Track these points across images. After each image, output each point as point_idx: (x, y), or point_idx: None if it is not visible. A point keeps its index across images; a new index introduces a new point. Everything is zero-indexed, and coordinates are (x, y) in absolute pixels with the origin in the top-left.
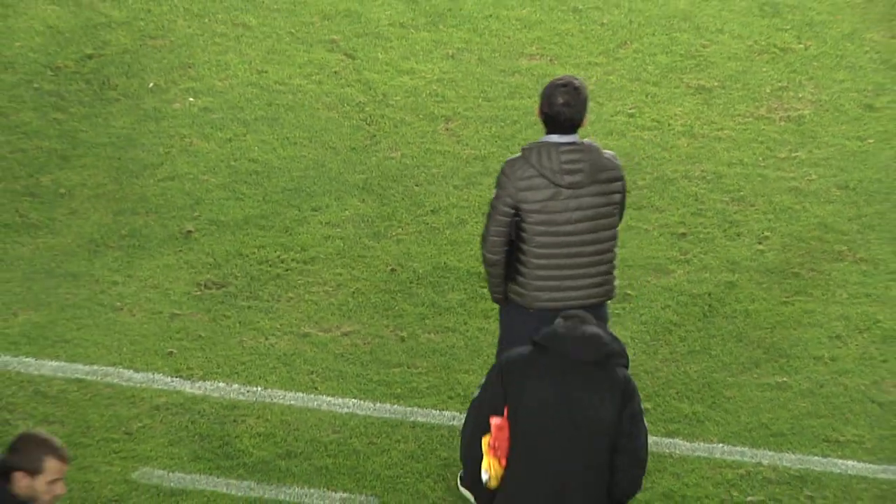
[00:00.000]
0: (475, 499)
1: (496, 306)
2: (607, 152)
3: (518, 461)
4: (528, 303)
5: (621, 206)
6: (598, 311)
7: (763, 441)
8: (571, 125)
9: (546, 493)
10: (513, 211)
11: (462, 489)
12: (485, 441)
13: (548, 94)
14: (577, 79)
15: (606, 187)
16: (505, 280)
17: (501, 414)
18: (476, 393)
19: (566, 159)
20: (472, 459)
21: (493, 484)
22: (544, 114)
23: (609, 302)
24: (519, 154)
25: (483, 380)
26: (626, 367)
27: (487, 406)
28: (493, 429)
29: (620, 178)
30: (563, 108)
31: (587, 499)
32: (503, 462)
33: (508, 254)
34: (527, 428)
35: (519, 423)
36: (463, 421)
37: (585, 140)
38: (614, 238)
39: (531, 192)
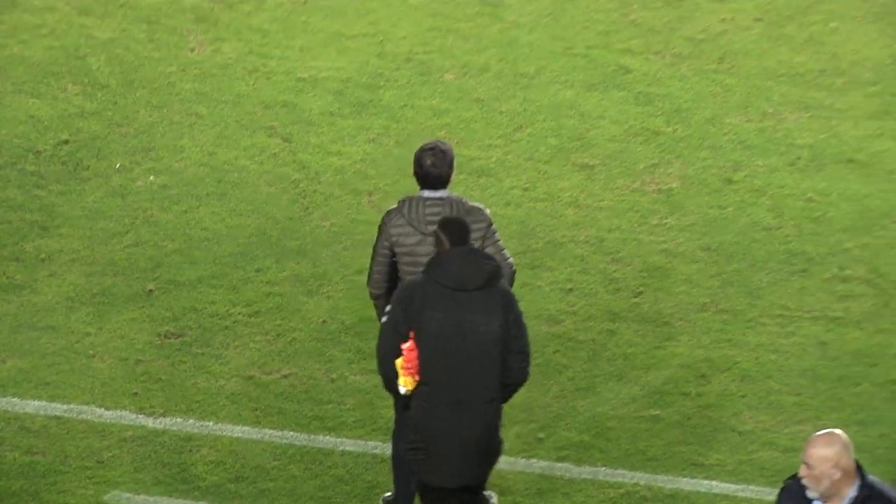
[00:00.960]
0: (394, 404)
1: None
2: (474, 204)
3: (426, 375)
4: None
5: (489, 245)
6: None
7: (640, 465)
8: (440, 181)
9: (449, 401)
10: (390, 252)
11: None
12: (398, 363)
13: (418, 157)
14: (443, 143)
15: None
16: None
17: (407, 337)
18: (384, 319)
19: (430, 212)
20: (388, 376)
21: (410, 393)
22: (416, 174)
23: None
24: (396, 206)
25: (389, 307)
26: (501, 277)
27: (394, 332)
28: (404, 351)
29: (485, 225)
30: (431, 168)
31: (484, 399)
32: (416, 377)
33: (389, 290)
34: (428, 351)
35: (421, 347)
36: (388, 450)
37: (453, 194)
38: None
39: (402, 238)
